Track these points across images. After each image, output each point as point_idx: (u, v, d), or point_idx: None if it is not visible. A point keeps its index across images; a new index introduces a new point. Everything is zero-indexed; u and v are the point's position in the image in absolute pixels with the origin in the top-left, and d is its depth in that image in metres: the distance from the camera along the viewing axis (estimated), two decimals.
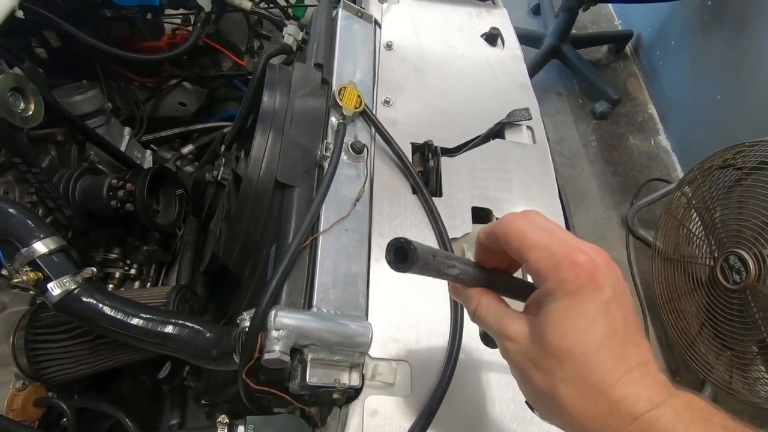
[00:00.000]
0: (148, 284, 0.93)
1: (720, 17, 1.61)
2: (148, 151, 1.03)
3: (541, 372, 0.31)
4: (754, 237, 1.04)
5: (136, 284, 0.91)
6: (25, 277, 0.47)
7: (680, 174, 1.80)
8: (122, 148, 0.91)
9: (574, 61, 1.92)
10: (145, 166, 0.99)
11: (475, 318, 0.39)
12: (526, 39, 2.00)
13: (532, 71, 1.89)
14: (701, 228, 1.33)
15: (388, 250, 0.32)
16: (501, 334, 0.35)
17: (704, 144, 1.63)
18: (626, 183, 1.77)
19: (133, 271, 0.89)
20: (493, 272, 0.40)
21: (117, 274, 0.87)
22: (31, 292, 0.66)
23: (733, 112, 1.55)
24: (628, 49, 2.17)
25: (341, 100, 0.64)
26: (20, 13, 0.60)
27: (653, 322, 1.49)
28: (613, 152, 1.85)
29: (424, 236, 0.62)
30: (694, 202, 1.35)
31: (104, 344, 0.61)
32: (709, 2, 1.63)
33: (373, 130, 0.69)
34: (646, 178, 1.77)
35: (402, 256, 0.32)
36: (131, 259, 0.89)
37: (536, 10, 2.26)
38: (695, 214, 1.36)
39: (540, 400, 0.32)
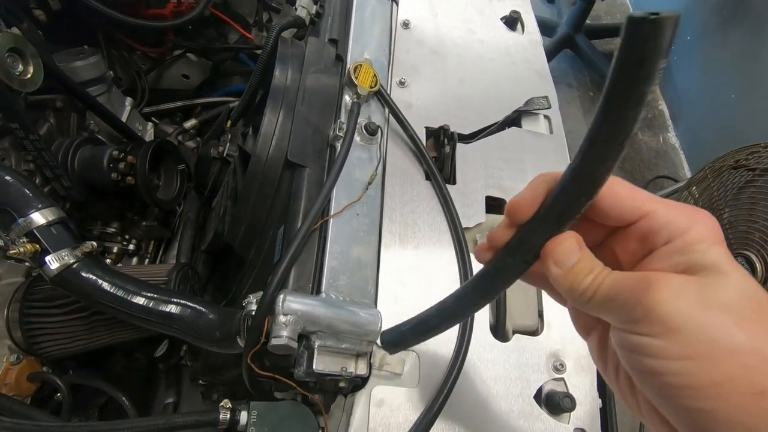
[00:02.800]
0: (146, 260, 0.91)
1: (740, 14, 1.58)
2: (149, 124, 1.00)
3: None
4: (763, 239, 1.02)
5: (134, 260, 0.89)
6: (22, 249, 0.45)
7: (687, 173, 1.78)
8: (123, 119, 0.88)
9: (587, 52, 1.88)
10: (147, 139, 0.96)
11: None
12: (540, 27, 1.96)
13: None
14: None
15: None
16: None
17: (714, 143, 1.61)
18: (633, 179, 1.75)
19: (131, 247, 0.87)
20: None
21: (115, 249, 0.84)
22: (27, 265, 0.64)
23: (746, 112, 1.53)
24: None
25: (356, 78, 0.62)
26: None
27: None
28: None
29: (436, 224, 0.60)
30: (701, 202, 1.33)
31: (101, 321, 0.59)
32: None
33: (387, 111, 0.66)
34: (653, 175, 1.76)
35: None
36: (130, 235, 0.87)
37: None
38: None
39: None
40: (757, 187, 1.07)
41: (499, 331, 0.57)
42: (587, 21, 1.89)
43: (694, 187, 1.37)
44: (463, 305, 0.31)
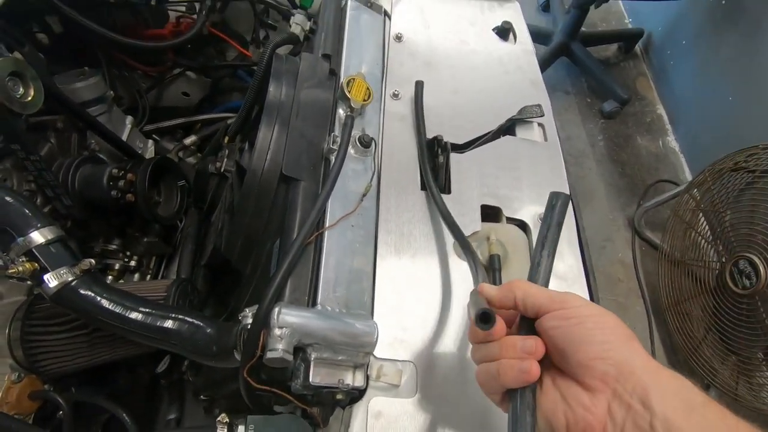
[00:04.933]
0: (148, 277, 0.92)
1: (733, 17, 1.59)
2: (150, 141, 1.01)
3: None
4: (765, 242, 1.02)
5: (136, 276, 0.90)
6: (21, 268, 0.45)
7: (688, 176, 1.77)
8: (124, 138, 0.89)
9: (583, 59, 1.89)
10: (147, 157, 0.98)
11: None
12: (534, 36, 1.96)
13: (540, 68, 1.86)
14: (709, 231, 1.32)
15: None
16: None
17: (714, 146, 1.61)
18: (633, 184, 1.75)
19: (132, 263, 0.88)
20: None
21: (116, 266, 0.85)
22: (29, 284, 0.65)
23: (744, 114, 1.53)
24: (638, 48, 2.14)
25: (350, 92, 0.63)
26: None
27: (658, 325, 1.47)
28: (621, 152, 1.83)
29: (431, 233, 0.61)
30: (702, 205, 1.33)
31: (102, 337, 0.60)
32: (723, 1, 1.60)
33: (382, 123, 0.67)
34: (654, 179, 1.75)
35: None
36: (131, 251, 0.88)
37: (545, 7, 2.24)
38: (703, 218, 1.34)
39: None
40: (757, 189, 1.07)
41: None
42: (582, 28, 1.91)
43: (695, 190, 1.36)
44: None
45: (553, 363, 0.38)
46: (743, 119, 1.52)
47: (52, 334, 0.59)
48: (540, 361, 0.37)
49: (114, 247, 0.84)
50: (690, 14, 1.78)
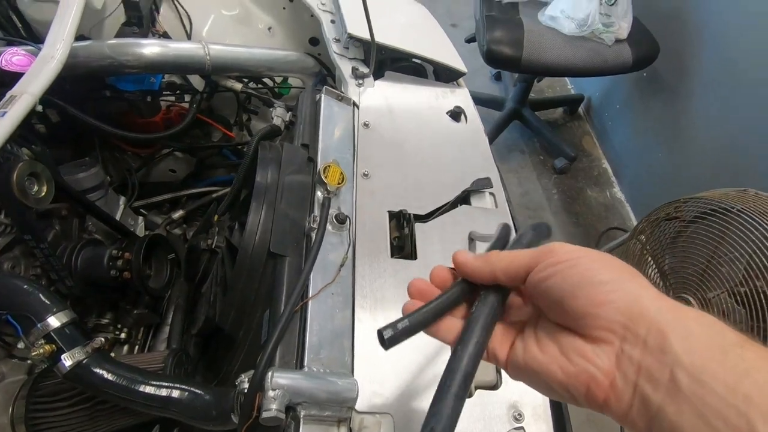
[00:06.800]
0: (137, 347, 0.96)
1: (653, 87, 1.85)
2: (140, 218, 1.09)
3: None
4: (697, 282, 1.15)
5: (125, 348, 0.94)
6: (41, 350, 0.51)
7: (635, 222, 1.95)
8: (117, 217, 0.97)
9: (533, 122, 2.12)
10: (138, 232, 1.05)
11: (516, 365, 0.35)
12: (490, 103, 2.21)
13: (497, 131, 2.07)
14: (657, 273, 1.45)
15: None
16: None
17: (654, 195, 1.80)
18: (587, 233, 1.91)
19: (123, 335, 0.92)
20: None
21: (108, 338, 0.89)
22: (29, 363, 0.69)
23: (673, 168, 1.74)
24: (581, 110, 2.40)
25: (326, 177, 0.74)
26: (40, 108, 0.68)
27: None
28: (574, 204, 2.01)
29: (401, 295, 0.70)
30: (648, 248, 1.47)
31: (102, 410, 0.64)
32: (644, 74, 1.86)
33: (354, 200, 0.78)
34: (605, 227, 1.92)
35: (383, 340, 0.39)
36: (122, 323, 0.93)
37: (498, 76, 2.50)
38: (651, 260, 1.48)
39: None
40: (686, 236, 1.22)
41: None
42: (532, 94, 2.15)
43: (642, 236, 1.52)
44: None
45: (550, 320, 0.33)
46: (673, 172, 1.73)
47: (56, 410, 0.63)
48: (534, 319, 0.35)
49: (106, 320, 0.89)
50: (619, 84, 2.05)
